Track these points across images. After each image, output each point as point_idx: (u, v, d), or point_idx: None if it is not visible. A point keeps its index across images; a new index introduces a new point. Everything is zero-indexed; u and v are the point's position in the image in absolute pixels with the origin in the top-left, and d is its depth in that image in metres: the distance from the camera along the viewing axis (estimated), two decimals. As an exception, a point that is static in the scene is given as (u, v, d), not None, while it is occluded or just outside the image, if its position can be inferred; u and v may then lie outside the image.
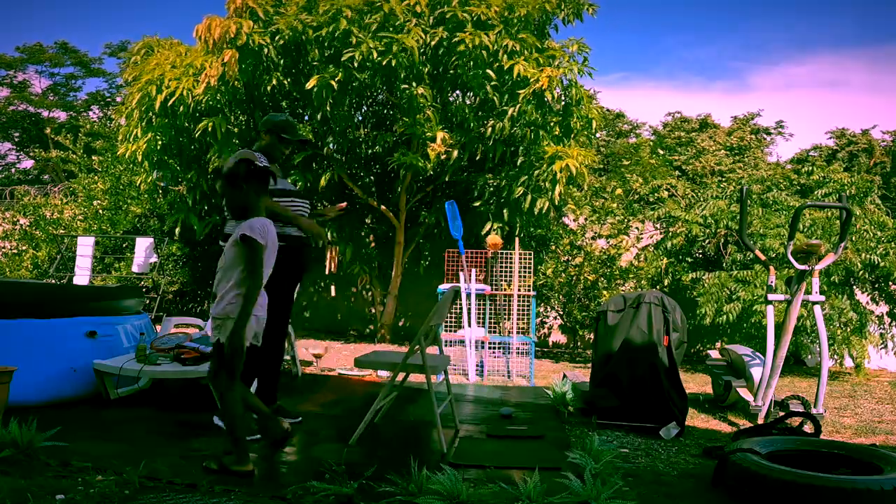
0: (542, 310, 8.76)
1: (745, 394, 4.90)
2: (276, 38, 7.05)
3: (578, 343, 8.77)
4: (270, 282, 3.08)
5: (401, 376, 3.88)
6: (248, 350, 2.97)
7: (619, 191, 8.70)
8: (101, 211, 9.78)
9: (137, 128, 7.51)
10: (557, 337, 9.12)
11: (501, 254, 7.12)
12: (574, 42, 7.56)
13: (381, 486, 2.71)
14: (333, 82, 6.71)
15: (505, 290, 7.04)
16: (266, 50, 7.00)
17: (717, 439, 4.06)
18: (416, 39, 6.59)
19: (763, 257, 5.03)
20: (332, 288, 9.98)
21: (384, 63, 6.56)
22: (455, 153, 7.24)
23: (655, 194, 9.15)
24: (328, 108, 7.12)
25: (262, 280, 2.91)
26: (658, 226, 8.31)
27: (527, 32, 6.94)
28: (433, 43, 6.86)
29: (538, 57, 6.93)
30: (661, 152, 19.86)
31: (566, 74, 7.13)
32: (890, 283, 6.84)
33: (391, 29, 6.73)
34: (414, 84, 6.82)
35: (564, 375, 5.63)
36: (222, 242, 3.49)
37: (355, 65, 6.64)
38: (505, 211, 7.49)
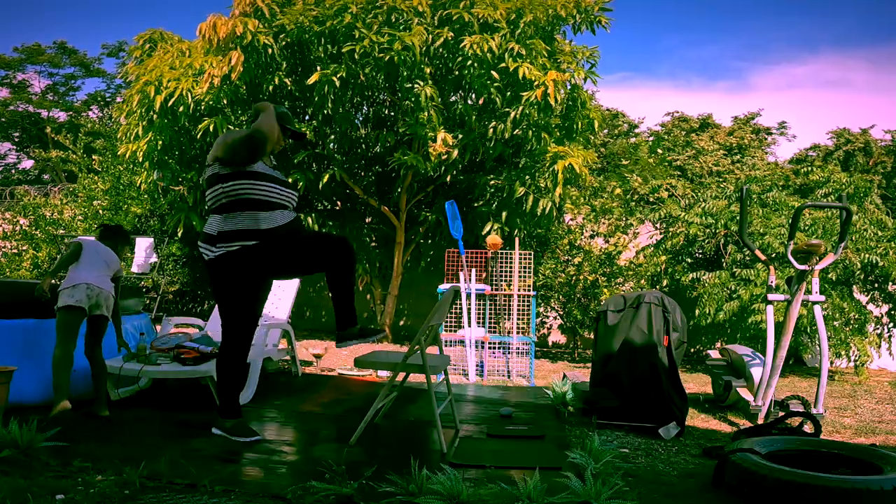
0: (541, 310, 8.76)
1: (745, 394, 4.90)
2: (280, 36, 7.04)
3: (578, 343, 8.76)
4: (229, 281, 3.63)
5: (401, 376, 3.89)
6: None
7: (618, 190, 8.69)
8: (101, 211, 9.77)
9: (138, 126, 7.52)
10: (557, 337, 9.13)
11: (501, 254, 7.11)
12: (587, 50, 7.58)
13: (381, 486, 2.71)
14: (335, 78, 6.71)
15: (505, 290, 7.04)
16: (270, 50, 6.99)
17: (717, 439, 4.06)
18: (419, 38, 6.58)
19: (763, 257, 5.02)
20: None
21: (386, 59, 6.56)
22: (455, 153, 7.24)
23: (655, 194, 9.14)
24: (329, 105, 7.11)
25: (61, 263, 4.00)
26: (658, 226, 8.31)
27: (536, 38, 6.93)
28: (437, 44, 6.85)
29: (545, 62, 6.92)
30: (660, 152, 19.79)
31: (571, 80, 7.12)
32: (890, 283, 6.84)
33: (394, 25, 6.73)
34: (420, 83, 6.82)
35: (564, 375, 5.63)
36: (200, 242, 3.58)
37: (356, 57, 6.64)
38: (504, 213, 7.48)
